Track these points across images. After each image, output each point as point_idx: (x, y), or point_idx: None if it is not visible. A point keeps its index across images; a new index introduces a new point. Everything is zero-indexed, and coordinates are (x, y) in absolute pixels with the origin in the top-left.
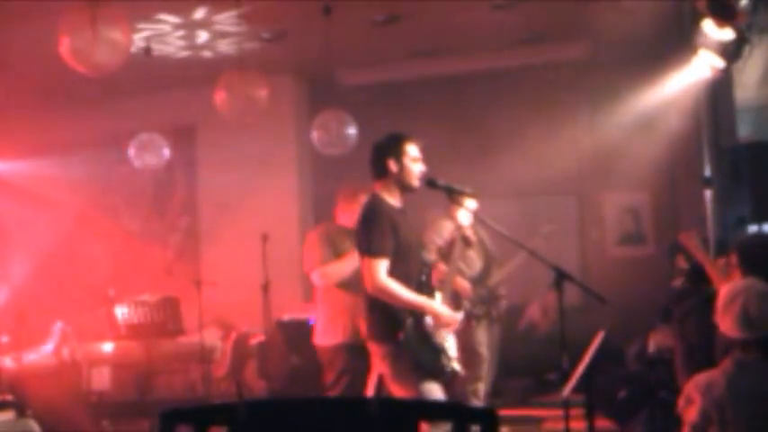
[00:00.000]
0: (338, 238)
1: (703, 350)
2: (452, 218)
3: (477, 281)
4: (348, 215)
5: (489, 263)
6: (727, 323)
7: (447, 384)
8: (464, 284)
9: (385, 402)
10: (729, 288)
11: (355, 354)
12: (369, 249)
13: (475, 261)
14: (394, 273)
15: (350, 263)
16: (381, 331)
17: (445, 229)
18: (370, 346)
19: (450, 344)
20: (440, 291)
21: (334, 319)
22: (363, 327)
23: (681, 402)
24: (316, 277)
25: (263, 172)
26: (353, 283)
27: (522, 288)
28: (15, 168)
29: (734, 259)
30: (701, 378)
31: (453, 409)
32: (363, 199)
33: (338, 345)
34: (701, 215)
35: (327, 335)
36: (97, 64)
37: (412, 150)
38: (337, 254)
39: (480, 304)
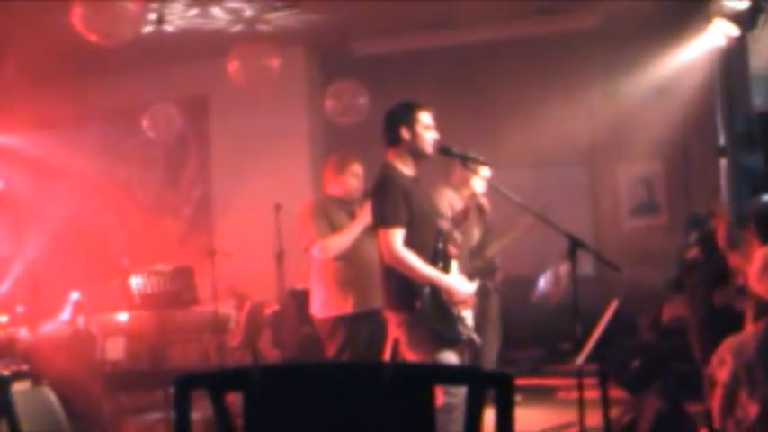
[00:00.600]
0: (332, 210)
1: (712, 320)
2: (453, 186)
3: (474, 252)
4: (338, 185)
5: (487, 234)
6: (764, 286)
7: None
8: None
9: (400, 367)
10: (766, 252)
11: (356, 326)
12: (383, 220)
13: (472, 232)
14: (409, 242)
15: (349, 235)
16: (398, 299)
17: (444, 198)
18: (385, 313)
19: (468, 312)
20: (456, 259)
21: (332, 292)
22: (376, 296)
23: (713, 363)
24: (316, 251)
25: (276, 142)
26: (350, 255)
27: (534, 257)
28: (29, 141)
29: (750, 226)
30: (733, 340)
31: (468, 374)
32: (355, 168)
33: (338, 317)
34: (714, 184)
35: (327, 307)
36: (109, 33)
37: (424, 118)
38: (333, 226)
39: (478, 277)
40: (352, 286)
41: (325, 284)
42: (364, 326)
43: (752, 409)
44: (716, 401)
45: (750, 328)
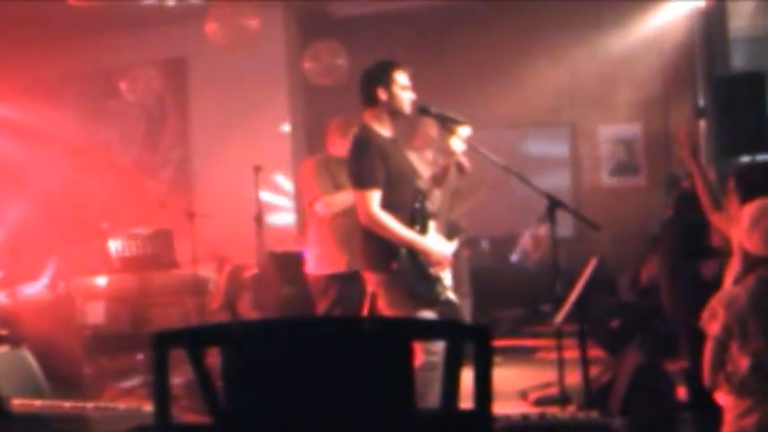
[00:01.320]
0: (335, 168)
1: (685, 279)
2: (415, 148)
3: (438, 215)
4: (342, 146)
5: (452, 197)
6: (754, 241)
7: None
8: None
9: (378, 321)
10: (755, 207)
11: (349, 285)
12: (360, 181)
13: (436, 195)
14: (387, 202)
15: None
16: (376, 260)
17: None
18: (364, 274)
19: (446, 272)
20: (434, 219)
21: (328, 249)
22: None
23: (704, 316)
24: (319, 207)
25: (255, 103)
26: (351, 214)
27: (514, 218)
28: (7, 105)
29: (731, 184)
30: (724, 293)
31: (447, 327)
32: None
33: (332, 275)
34: (694, 145)
35: (321, 265)
36: None
37: (401, 78)
38: (336, 184)
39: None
40: (349, 245)
41: (322, 242)
42: (356, 286)
43: (743, 363)
44: (706, 356)
45: (728, 282)
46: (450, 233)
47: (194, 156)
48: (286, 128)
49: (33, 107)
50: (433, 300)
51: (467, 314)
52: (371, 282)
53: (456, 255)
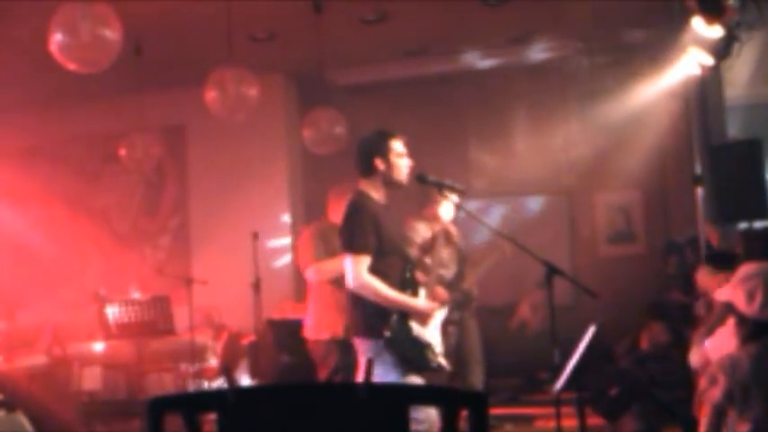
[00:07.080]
0: (331, 235)
1: None
2: (426, 219)
3: (453, 284)
4: (340, 213)
5: (463, 265)
6: (754, 308)
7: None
8: (440, 291)
9: (373, 387)
10: (747, 268)
11: (348, 350)
12: (351, 246)
13: (450, 264)
14: (377, 269)
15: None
16: (366, 327)
17: (416, 231)
18: (354, 341)
19: (437, 339)
20: (423, 287)
21: (328, 314)
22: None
23: (703, 383)
24: (309, 273)
25: (254, 171)
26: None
27: (512, 287)
28: (4, 169)
29: (740, 250)
30: (726, 359)
31: (442, 394)
32: None
33: (331, 340)
34: (691, 213)
35: (320, 330)
36: (86, 60)
37: (398, 146)
38: (330, 251)
39: (456, 310)
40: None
41: (319, 308)
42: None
43: (742, 429)
44: (703, 423)
45: (732, 346)
46: (464, 302)
47: (192, 222)
48: (285, 195)
49: (31, 171)
50: (424, 366)
51: (478, 382)
52: (362, 348)
53: (467, 323)
